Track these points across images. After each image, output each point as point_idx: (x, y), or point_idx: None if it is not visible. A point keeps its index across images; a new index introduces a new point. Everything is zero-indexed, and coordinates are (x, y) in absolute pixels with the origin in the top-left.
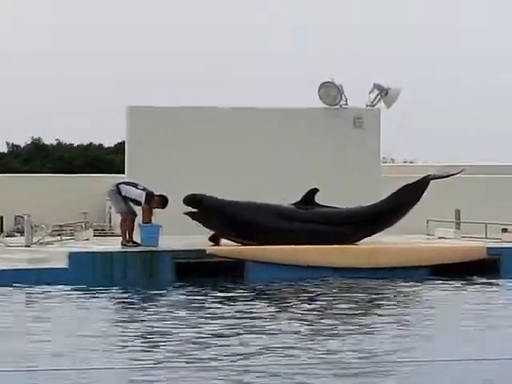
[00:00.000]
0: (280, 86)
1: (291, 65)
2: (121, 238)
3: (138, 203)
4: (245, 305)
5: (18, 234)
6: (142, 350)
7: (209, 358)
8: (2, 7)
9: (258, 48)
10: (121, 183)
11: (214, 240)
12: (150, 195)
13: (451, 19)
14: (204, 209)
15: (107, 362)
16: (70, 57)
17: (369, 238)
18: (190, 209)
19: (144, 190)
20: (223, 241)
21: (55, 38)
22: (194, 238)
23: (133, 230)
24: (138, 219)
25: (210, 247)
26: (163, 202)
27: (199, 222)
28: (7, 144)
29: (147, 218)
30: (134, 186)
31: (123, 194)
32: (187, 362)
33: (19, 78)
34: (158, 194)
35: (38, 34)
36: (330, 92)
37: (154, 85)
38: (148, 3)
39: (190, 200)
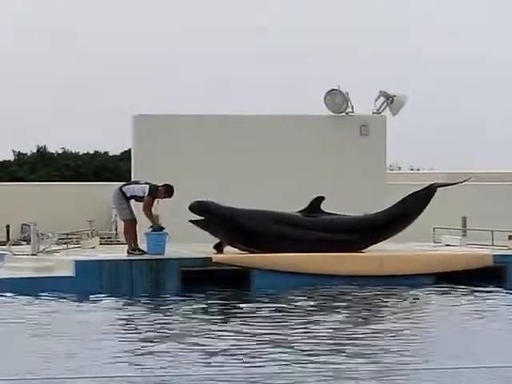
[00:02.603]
0: (282, 90)
1: (292, 66)
2: (127, 246)
3: (143, 199)
4: (250, 312)
5: (25, 243)
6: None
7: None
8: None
9: (256, 49)
10: (123, 186)
11: (219, 248)
12: (153, 187)
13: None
14: (210, 216)
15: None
16: (74, 62)
17: (375, 245)
18: (196, 216)
19: (147, 183)
20: (229, 249)
21: (57, 42)
22: (201, 245)
23: (136, 237)
24: (144, 228)
25: (215, 255)
26: (169, 191)
27: (205, 230)
28: (13, 152)
29: (149, 212)
30: (136, 183)
31: (128, 195)
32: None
33: (24, 86)
34: (162, 184)
35: (39, 37)
36: (336, 99)
37: (158, 90)
38: (147, 4)
39: (196, 207)
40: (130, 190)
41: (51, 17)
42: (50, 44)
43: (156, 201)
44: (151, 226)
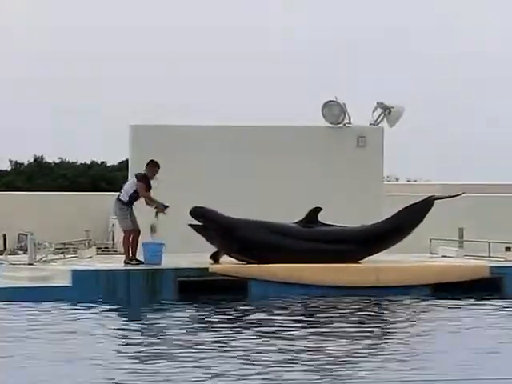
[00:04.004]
0: (281, 90)
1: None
2: (124, 256)
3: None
4: (249, 323)
5: (21, 252)
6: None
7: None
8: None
9: (256, 49)
10: (119, 195)
11: (215, 258)
12: (139, 174)
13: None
14: (206, 222)
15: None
16: (74, 62)
17: (371, 256)
18: (195, 221)
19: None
20: (225, 259)
21: (57, 42)
22: (198, 256)
23: (136, 248)
24: (142, 238)
25: (212, 265)
26: (154, 165)
27: (202, 236)
28: (10, 162)
29: (146, 195)
30: (124, 184)
31: (127, 199)
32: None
33: (20, 95)
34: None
35: (38, 38)
36: (334, 111)
37: (158, 90)
38: (147, 4)
39: (193, 212)
40: (124, 194)
41: (51, 17)
42: (50, 44)
43: (155, 182)
44: (155, 207)
